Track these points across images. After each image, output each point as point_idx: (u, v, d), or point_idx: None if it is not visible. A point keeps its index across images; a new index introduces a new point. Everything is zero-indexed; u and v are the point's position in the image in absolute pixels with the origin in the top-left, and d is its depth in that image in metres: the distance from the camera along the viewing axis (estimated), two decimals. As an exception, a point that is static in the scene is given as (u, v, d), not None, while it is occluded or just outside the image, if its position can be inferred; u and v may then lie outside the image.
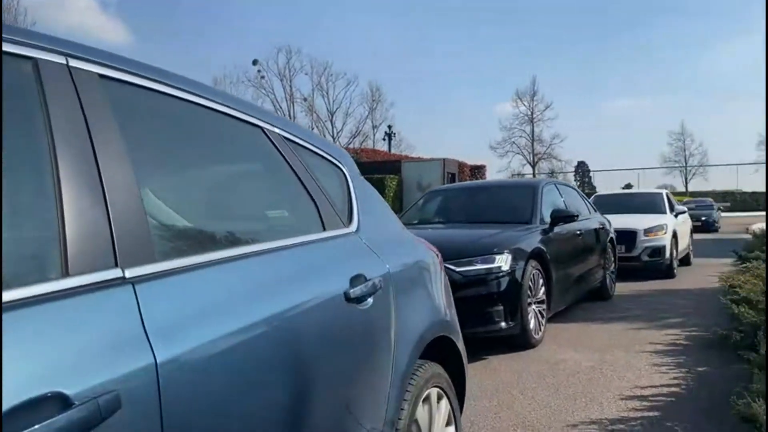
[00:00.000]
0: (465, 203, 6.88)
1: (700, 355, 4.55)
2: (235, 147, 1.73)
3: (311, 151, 1.97)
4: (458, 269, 4.68)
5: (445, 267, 4.62)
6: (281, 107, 51.95)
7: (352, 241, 1.92)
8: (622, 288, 8.20)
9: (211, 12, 67.66)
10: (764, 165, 51.44)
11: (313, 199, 1.82)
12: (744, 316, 4.01)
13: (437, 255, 2.51)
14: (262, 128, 1.72)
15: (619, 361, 4.51)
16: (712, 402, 3.49)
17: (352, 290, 1.68)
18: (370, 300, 1.76)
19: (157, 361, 1.02)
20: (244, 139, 1.72)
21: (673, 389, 3.79)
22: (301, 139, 1.92)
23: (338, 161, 2.15)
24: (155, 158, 1.40)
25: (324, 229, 1.82)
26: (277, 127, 1.80)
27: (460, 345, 2.42)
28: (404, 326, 1.95)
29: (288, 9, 68.27)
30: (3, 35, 1.04)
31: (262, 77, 51.54)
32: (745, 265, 5.92)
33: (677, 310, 6.59)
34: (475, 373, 4.29)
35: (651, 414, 3.36)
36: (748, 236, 15.19)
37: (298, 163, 1.83)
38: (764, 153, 53.12)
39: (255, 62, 51.70)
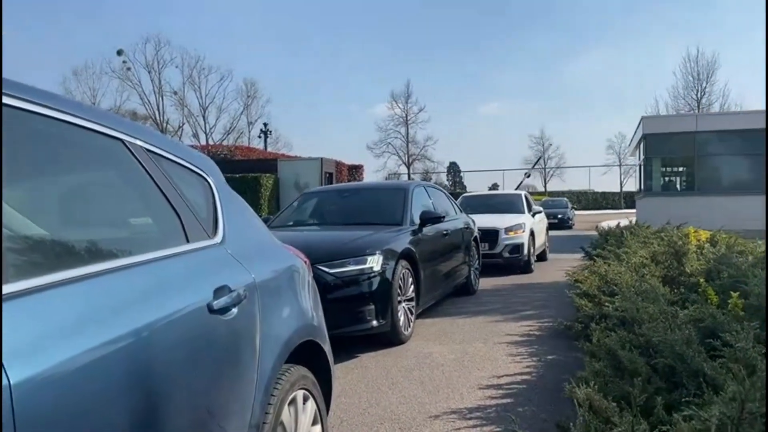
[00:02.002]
0: (340, 205, 7.04)
1: (550, 345, 5.01)
2: (94, 160, 1.71)
3: (175, 162, 1.97)
4: (331, 270, 4.80)
5: (319, 268, 4.78)
6: (149, 101, 49.32)
7: (217, 253, 1.94)
8: (485, 283, 8.76)
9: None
10: (617, 167, 56.63)
11: (176, 212, 1.82)
12: (583, 309, 4.47)
13: (305, 261, 2.59)
14: (122, 141, 1.71)
15: (479, 352, 4.86)
16: (557, 386, 3.87)
17: (215, 302, 1.71)
18: (235, 310, 1.80)
19: (11, 383, 1.01)
20: (103, 152, 1.70)
21: (525, 377, 4.16)
22: (164, 150, 1.92)
23: (203, 172, 2.15)
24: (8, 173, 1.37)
25: (188, 242, 1.82)
26: (139, 139, 1.79)
27: (327, 348, 2.51)
28: (270, 333, 2.01)
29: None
30: None
31: (128, 68, 48.54)
32: (592, 261, 6.55)
33: (532, 303, 7.18)
34: (347, 371, 4.43)
35: (505, 401, 3.67)
36: (596, 233, 16.76)
37: (161, 175, 1.82)
38: (613, 157, 58.52)
39: (120, 52, 48.54)
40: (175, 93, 49.94)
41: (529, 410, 3.49)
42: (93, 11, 63.64)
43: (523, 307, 6.91)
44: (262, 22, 73.25)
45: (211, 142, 44.45)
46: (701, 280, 3.47)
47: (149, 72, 49.04)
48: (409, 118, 55.87)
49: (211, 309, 1.70)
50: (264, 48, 74.10)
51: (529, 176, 45.40)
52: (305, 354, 2.31)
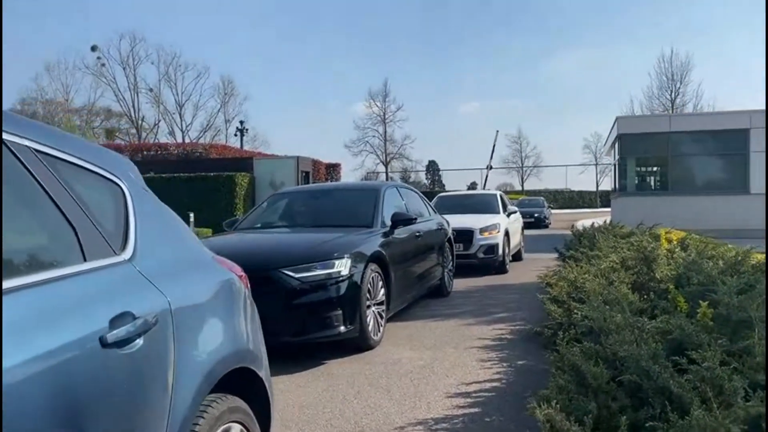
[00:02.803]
0: (310, 207, 6.89)
1: (521, 349, 4.93)
2: None
3: (75, 165, 1.70)
4: (297, 275, 4.66)
5: (284, 273, 4.63)
6: (124, 97, 48.58)
7: (122, 272, 1.69)
8: (459, 284, 8.67)
9: (41, -11, 61.41)
10: (594, 166, 57.19)
11: (70, 225, 1.57)
12: (552, 315, 4.39)
13: (240, 276, 2.35)
14: (3, 141, 1.47)
15: (449, 358, 4.76)
16: (525, 394, 3.78)
17: (111, 334, 1.48)
18: (139, 341, 1.57)
19: None
20: None
21: (494, 384, 4.07)
22: (61, 151, 1.65)
23: (115, 176, 1.88)
24: None
25: (84, 260, 1.57)
26: (27, 138, 1.54)
27: (264, 374, 2.28)
28: (188, 363, 1.79)
29: (131, -7, 63.92)
30: None
31: (102, 65, 47.75)
32: (564, 263, 6.49)
33: (505, 305, 7.11)
34: (312, 378, 4.30)
35: (473, 410, 3.57)
36: (568, 233, 16.82)
37: (54, 181, 1.56)
38: (590, 156, 59.06)
39: (94, 48, 47.72)
40: (151, 90, 49.28)
41: (496, 420, 3.40)
42: (67, 6, 62.52)
43: (495, 309, 6.84)
44: (238, 20, 72.59)
45: (187, 140, 43.91)
46: (671, 286, 3.41)
47: (124, 68, 48.37)
48: (387, 116, 55.78)
49: (104, 343, 1.46)
50: (241, 45, 73.47)
51: (491, 169, 45.68)
52: (238, 382, 2.08)
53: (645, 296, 3.64)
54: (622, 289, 3.51)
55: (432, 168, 66.64)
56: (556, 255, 11.47)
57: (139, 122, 49.30)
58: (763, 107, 16.22)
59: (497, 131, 46.44)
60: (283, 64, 76.37)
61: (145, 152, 29.96)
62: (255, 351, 2.26)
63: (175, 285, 1.85)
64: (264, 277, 4.60)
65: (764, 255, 4.52)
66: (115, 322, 1.53)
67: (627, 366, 2.18)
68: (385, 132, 56.08)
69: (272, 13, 73.94)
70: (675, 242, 5.92)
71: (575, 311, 3.70)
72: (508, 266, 10.36)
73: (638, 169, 19.16)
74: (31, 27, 62.61)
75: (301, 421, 3.49)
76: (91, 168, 1.79)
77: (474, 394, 3.86)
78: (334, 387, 4.11)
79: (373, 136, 56.40)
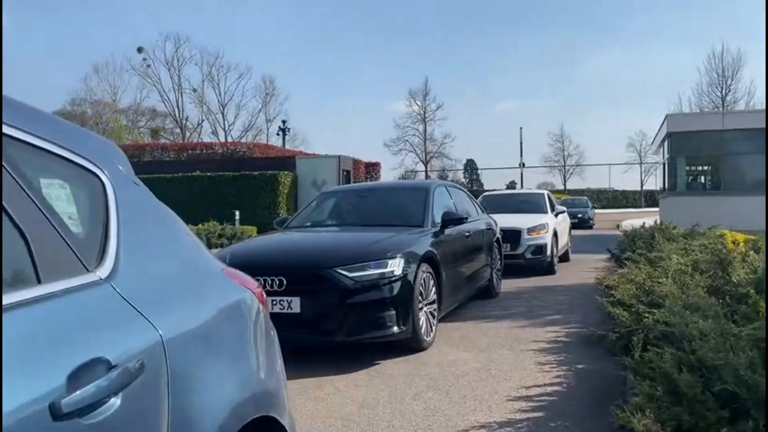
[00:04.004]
0: (359, 205, 6.84)
1: (579, 353, 4.81)
2: None
3: (34, 147, 1.25)
4: (351, 274, 4.60)
5: (338, 272, 4.62)
6: (169, 98, 49.71)
7: (95, 298, 1.24)
8: (507, 285, 8.54)
9: (90, -7, 63.28)
10: (638, 165, 55.90)
11: (21, 234, 1.12)
12: (619, 319, 4.27)
13: (255, 293, 1.86)
14: None
15: (506, 360, 4.67)
16: (591, 401, 3.68)
17: (68, 398, 1.02)
18: (115, 402, 1.13)
19: None
20: None
21: (555, 388, 3.97)
22: (20, 130, 1.21)
23: (93, 164, 1.42)
24: None
25: (38, 282, 1.13)
26: None
27: (288, 421, 1.81)
28: (189, 422, 1.35)
29: (175, -5, 65.32)
30: None
31: (148, 66, 49.02)
32: (622, 269, 6.32)
33: (557, 306, 6.96)
34: (368, 378, 4.27)
35: (536, 415, 3.48)
36: (619, 233, 16.45)
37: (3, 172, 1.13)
38: (634, 155, 57.73)
39: (140, 50, 49.05)
40: (195, 90, 50.30)
41: (561, 426, 3.30)
42: (114, 8, 64.22)
43: (547, 311, 6.70)
44: (281, 20, 73.39)
45: (230, 140, 44.62)
46: (751, 290, 3.26)
47: (169, 69, 49.52)
48: (427, 115, 55.65)
49: (57, 413, 1.00)
50: (283, 46, 74.27)
51: (523, 166, 44.93)
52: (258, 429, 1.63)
53: (721, 300, 3.49)
54: (699, 292, 3.37)
55: (470, 167, 66.20)
56: (603, 256, 11.22)
57: (183, 122, 50.38)
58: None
59: (521, 128, 45.68)
60: (323, 62, 76.90)
61: (190, 151, 30.56)
62: (276, 391, 1.81)
63: (170, 311, 1.42)
64: (317, 276, 4.62)
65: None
66: (78, 377, 1.06)
67: (720, 375, 2.07)
68: (425, 130, 55.99)
69: (313, 12, 74.54)
70: (742, 244, 5.69)
71: (645, 315, 3.57)
72: (556, 267, 10.16)
73: (689, 168, 18.62)
74: (81, 29, 64.57)
75: (361, 421, 3.46)
76: (60, 153, 1.32)
77: (536, 398, 3.77)
78: (391, 387, 4.07)
79: (413, 135, 56.41)
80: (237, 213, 18.61)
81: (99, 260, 1.31)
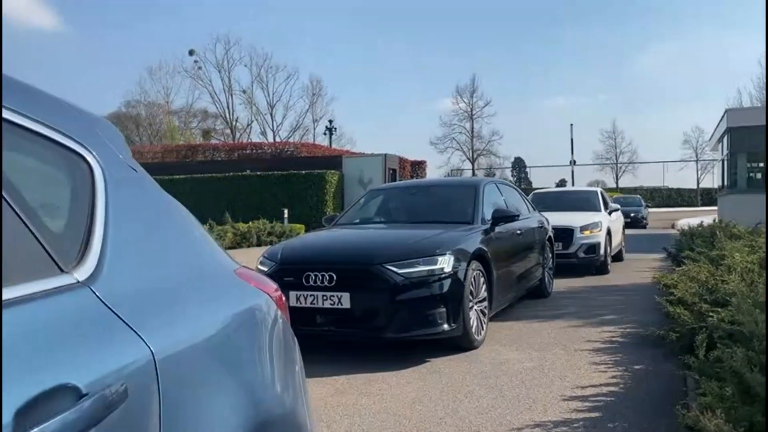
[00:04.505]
0: (407, 203, 6.80)
1: (635, 353, 4.67)
2: None
3: (10, 123, 1.04)
4: (400, 271, 4.59)
5: (388, 268, 4.62)
6: (219, 99, 50.86)
7: (68, 306, 1.01)
8: (560, 284, 8.39)
9: (145, -1, 65.35)
10: (694, 163, 54.08)
11: None
12: (680, 318, 4.13)
13: (273, 297, 1.63)
14: None
15: (560, 359, 4.58)
16: (650, 402, 3.57)
17: None
18: None
19: None
20: None
21: (612, 388, 3.87)
22: None
23: (78, 143, 1.20)
24: None
25: None
26: None
27: None
28: None
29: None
30: None
31: (199, 68, 50.26)
32: (681, 267, 6.11)
33: (612, 306, 6.79)
34: (419, 376, 4.26)
35: (593, 415, 3.40)
36: (674, 232, 15.93)
37: None
38: (690, 152, 55.86)
39: (192, 52, 50.36)
40: (244, 91, 51.31)
41: (620, 426, 3.21)
42: (167, 12, 66.12)
43: (601, 311, 6.54)
44: (326, 20, 74.05)
45: (278, 140, 45.32)
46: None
47: (219, 71, 50.70)
48: (474, 112, 55.20)
49: None
50: (329, 45, 74.91)
51: (574, 164, 43.75)
52: None
53: (792, 300, 3.33)
54: (768, 291, 3.22)
55: (518, 165, 65.35)
56: (659, 255, 10.89)
57: (234, 123, 51.49)
58: None
59: (571, 125, 44.64)
60: (368, 61, 77.19)
61: (240, 151, 31.21)
62: (296, 413, 1.59)
63: (168, 321, 1.20)
64: (367, 272, 4.63)
65: None
66: (33, 412, 0.83)
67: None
68: (472, 128, 55.54)
69: (358, 11, 74.92)
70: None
71: (709, 314, 3.44)
72: (609, 266, 9.92)
73: (750, 164, 17.83)
74: (137, 32, 66.73)
75: (413, 417, 3.46)
76: (34, 128, 1.10)
77: (592, 398, 3.68)
78: (443, 384, 4.05)
79: (460, 133, 56.03)
80: (285, 211, 18.89)
81: (79, 259, 1.08)
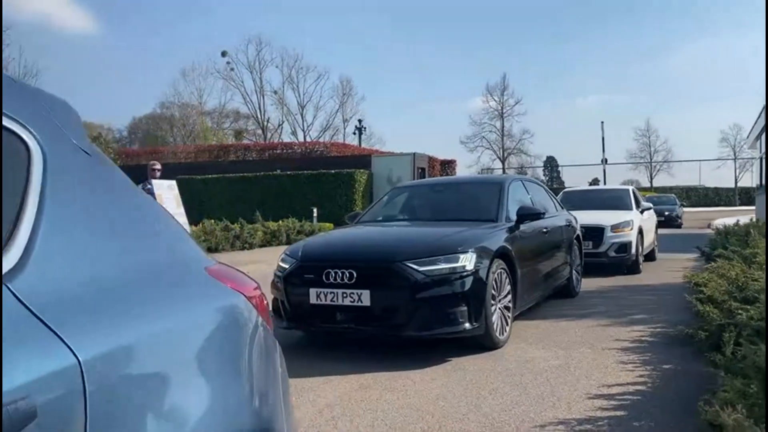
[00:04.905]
0: (430, 200, 6.73)
1: (664, 353, 4.59)
2: None
3: None
4: (421, 268, 4.54)
5: (408, 266, 4.58)
6: (251, 100, 51.46)
7: None
8: (588, 283, 8.28)
9: (181, 1, 66.51)
10: (732, 161, 52.75)
11: None
12: (709, 316, 4.05)
13: (251, 297, 1.47)
14: None
15: (586, 358, 4.53)
16: (678, 401, 3.51)
17: None
18: None
19: None
20: None
21: (639, 387, 3.81)
22: None
23: (18, 122, 1.09)
24: None
25: None
26: None
27: None
28: None
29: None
30: None
31: (231, 69, 50.96)
32: (712, 264, 5.97)
33: (642, 306, 6.68)
34: (443, 373, 4.26)
35: (618, 413, 3.36)
36: (710, 231, 15.57)
37: None
38: (728, 150, 54.46)
39: (224, 54, 51.07)
40: (275, 92, 51.84)
41: (646, 425, 3.17)
42: (200, 14, 67.17)
43: (631, 310, 6.44)
44: (352, 19, 74.30)
45: (308, 139, 45.67)
46: None
47: (251, 72, 51.29)
48: (504, 111, 54.74)
49: None
50: (356, 44, 75.14)
51: (606, 163, 42.83)
52: None
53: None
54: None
55: (550, 164, 64.58)
56: (692, 256, 10.67)
57: (265, 123, 52.04)
58: None
59: (602, 122, 43.80)
60: (397, 61, 77.19)
61: (271, 151, 31.56)
62: (273, 425, 1.42)
63: (106, 324, 1.05)
64: (387, 269, 4.60)
65: None
66: None
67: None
68: (503, 127, 55.10)
69: (386, 10, 74.97)
70: None
71: (738, 312, 3.37)
72: (641, 266, 9.74)
73: (790, 162, 17.32)
74: (170, 36, 67.98)
75: (436, 413, 3.46)
76: None
77: (618, 397, 3.64)
78: (467, 381, 4.04)
79: (490, 131, 55.65)
80: (315, 210, 19.03)
81: None
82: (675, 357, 4.43)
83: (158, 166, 9.06)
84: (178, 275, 1.34)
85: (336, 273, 4.62)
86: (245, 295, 1.44)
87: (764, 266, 4.40)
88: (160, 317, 1.19)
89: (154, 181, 8.59)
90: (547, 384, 3.94)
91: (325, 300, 4.64)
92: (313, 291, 4.67)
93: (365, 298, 4.54)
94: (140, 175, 8.36)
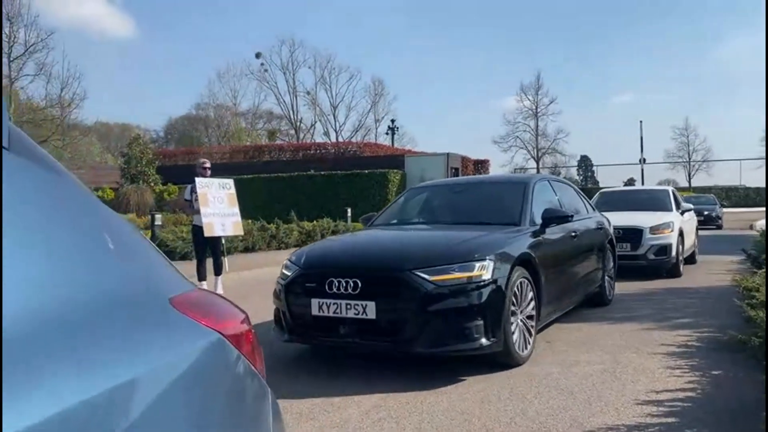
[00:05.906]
0: (449, 201, 6.25)
1: (712, 358, 4.51)
2: None
3: None
4: (431, 278, 4.13)
5: (417, 275, 4.24)
6: (284, 101, 51.98)
7: None
8: (628, 287, 8.16)
9: (216, 4, 67.59)
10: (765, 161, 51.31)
11: None
12: (762, 322, 3.96)
13: (230, 334, 1.19)
14: None
15: (632, 363, 4.47)
16: (731, 408, 3.45)
17: None
18: None
19: None
20: None
21: (689, 394, 3.75)
22: None
23: None
24: None
25: None
26: None
27: None
28: None
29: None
30: None
31: (265, 70, 51.52)
32: (762, 269, 5.82)
33: (686, 309, 6.56)
34: (488, 376, 4.24)
35: (669, 420, 3.32)
36: (753, 233, 15.16)
37: None
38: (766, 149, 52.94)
39: (258, 55, 51.69)
40: (308, 93, 52.26)
41: (699, 433, 3.12)
42: (236, 16, 68.13)
43: (675, 314, 6.33)
44: (384, 18, 74.38)
45: (340, 140, 45.92)
46: None
47: (284, 73, 51.79)
48: (539, 110, 54.14)
49: None
50: (387, 44, 75.20)
51: (644, 162, 41.79)
52: None
53: None
54: None
55: (584, 164, 63.57)
56: (736, 257, 10.40)
57: (298, 124, 52.50)
58: None
59: (640, 122, 42.80)
60: (430, 60, 76.99)
61: (304, 151, 31.82)
62: None
63: (23, 379, 0.77)
64: (394, 279, 4.22)
65: None
66: None
67: None
68: (537, 126, 54.51)
69: (419, 8, 74.85)
70: None
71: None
72: (681, 269, 9.53)
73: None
74: (206, 37, 69.13)
75: (482, 416, 3.47)
76: None
77: (667, 403, 3.59)
78: (511, 385, 4.03)
79: (524, 131, 55.08)
80: (349, 210, 19.12)
81: None
82: (725, 363, 4.34)
83: (208, 164, 8.61)
84: (130, 311, 1.02)
85: (339, 282, 4.26)
86: (222, 334, 1.15)
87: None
88: (91, 371, 0.86)
89: (198, 179, 8.12)
90: (594, 389, 3.91)
91: (328, 312, 4.27)
92: (314, 301, 4.32)
93: (370, 310, 4.14)
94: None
